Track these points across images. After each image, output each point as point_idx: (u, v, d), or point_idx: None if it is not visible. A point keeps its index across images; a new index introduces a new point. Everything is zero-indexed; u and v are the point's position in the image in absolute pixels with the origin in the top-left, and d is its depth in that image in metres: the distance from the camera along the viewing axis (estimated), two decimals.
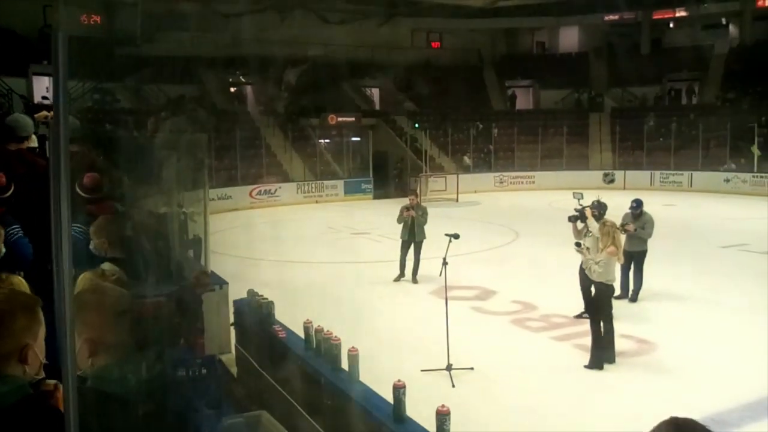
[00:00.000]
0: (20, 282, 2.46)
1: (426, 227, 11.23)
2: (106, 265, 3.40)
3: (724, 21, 33.50)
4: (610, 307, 7.34)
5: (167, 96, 26.13)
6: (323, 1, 29.16)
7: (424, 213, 11.34)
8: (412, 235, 11.17)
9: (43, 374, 1.77)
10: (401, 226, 11.32)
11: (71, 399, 1.25)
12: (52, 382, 1.75)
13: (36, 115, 4.14)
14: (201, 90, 27.91)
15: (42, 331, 1.77)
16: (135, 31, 26.36)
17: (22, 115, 5.62)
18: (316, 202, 24.99)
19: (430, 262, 9.78)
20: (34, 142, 5.17)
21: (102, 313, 1.96)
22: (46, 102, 22.31)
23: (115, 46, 22.18)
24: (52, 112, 4.16)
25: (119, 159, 6.32)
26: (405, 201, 11.73)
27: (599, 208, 8.68)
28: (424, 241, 11.10)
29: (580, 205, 8.45)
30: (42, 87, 24.11)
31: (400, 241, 11.38)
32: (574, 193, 8.99)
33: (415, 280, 11.10)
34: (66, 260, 1.19)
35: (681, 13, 32.69)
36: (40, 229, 4.16)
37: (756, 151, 25.19)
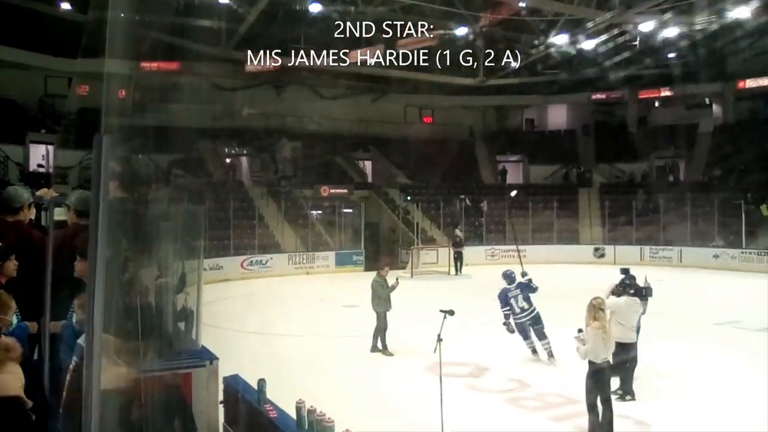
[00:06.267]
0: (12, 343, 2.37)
1: (419, 300, 11.25)
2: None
3: (707, 101, 34.59)
4: (606, 387, 7.20)
5: (157, 165, 26.35)
6: (318, 78, 29.95)
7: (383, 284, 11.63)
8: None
9: None
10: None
11: None
12: None
13: (38, 192, 4.16)
14: (188, 158, 28.06)
15: None
16: (127, 101, 26.95)
17: (17, 187, 5.68)
18: (307, 273, 24.84)
19: (423, 337, 9.65)
20: (32, 214, 5.18)
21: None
22: (41, 170, 22.48)
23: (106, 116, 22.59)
24: (51, 190, 4.18)
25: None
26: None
27: (624, 287, 8.85)
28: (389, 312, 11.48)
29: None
30: (38, 155, 24.37)
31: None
32: (621, 269, 9.65)
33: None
34: (97, 334, 1.20)
35: (666, 92, 33.76)
36: (31, 301, 4.10)
37: (765, 210, 25.52)
